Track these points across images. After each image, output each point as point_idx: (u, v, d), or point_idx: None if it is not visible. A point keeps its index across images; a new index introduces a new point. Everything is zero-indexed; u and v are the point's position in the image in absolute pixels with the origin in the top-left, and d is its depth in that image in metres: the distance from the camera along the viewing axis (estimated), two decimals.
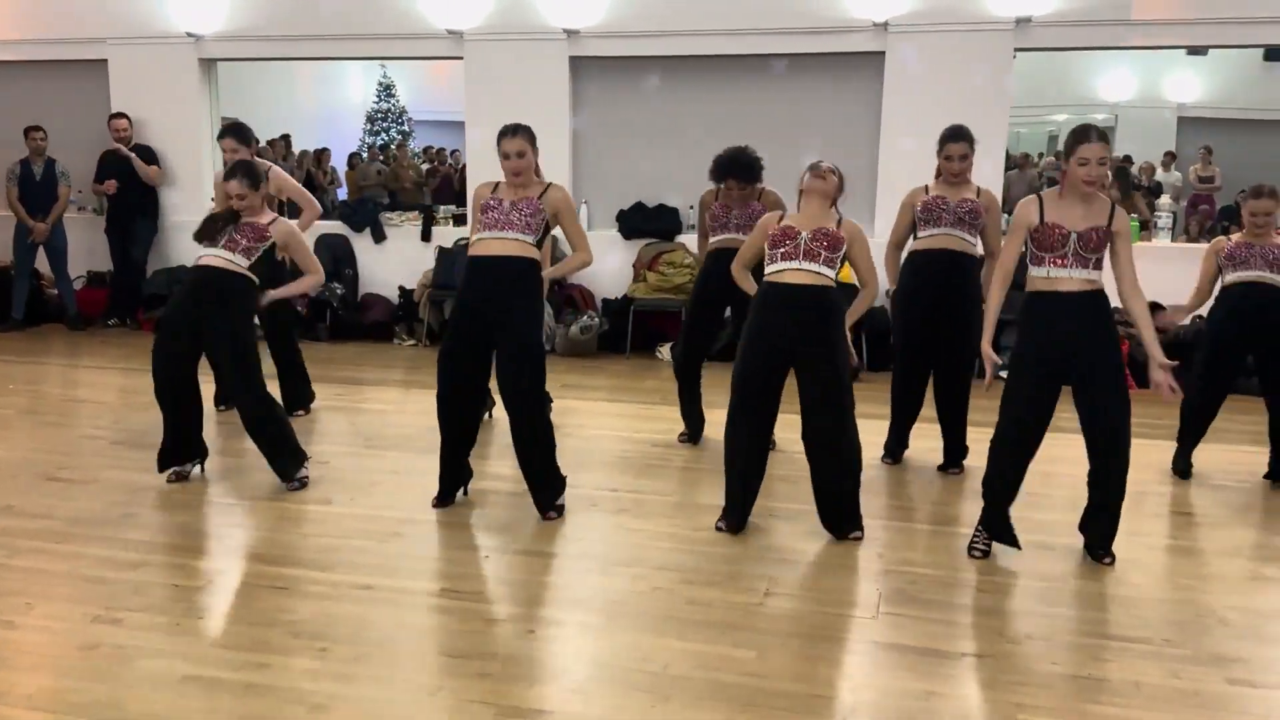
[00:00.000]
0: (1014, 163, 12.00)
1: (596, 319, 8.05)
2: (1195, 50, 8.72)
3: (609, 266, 8.39)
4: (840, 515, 4.09)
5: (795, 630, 3.30)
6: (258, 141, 5.49)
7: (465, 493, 4.52)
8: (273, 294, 4.73)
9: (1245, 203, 4.92)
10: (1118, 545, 3.87)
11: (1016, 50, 7.65)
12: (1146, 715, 2.82)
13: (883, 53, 7.77)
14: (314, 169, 13.00)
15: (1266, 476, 4.98)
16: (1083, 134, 3.64)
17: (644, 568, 3.81)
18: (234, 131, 5.63)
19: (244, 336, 4.55)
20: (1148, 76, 15.30)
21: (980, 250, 4.89)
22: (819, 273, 3.95)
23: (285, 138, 12.98)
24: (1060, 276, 3.68)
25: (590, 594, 3.60)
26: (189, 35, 8.92)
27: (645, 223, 8.40)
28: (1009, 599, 3.60)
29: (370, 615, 3.39)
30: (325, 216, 11.24)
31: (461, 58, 8.51)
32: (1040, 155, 15.01)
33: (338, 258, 8.78)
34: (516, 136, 4.19)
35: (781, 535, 4.11)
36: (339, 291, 8.55)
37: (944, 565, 3.91)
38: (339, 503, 4.54)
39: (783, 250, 4.04)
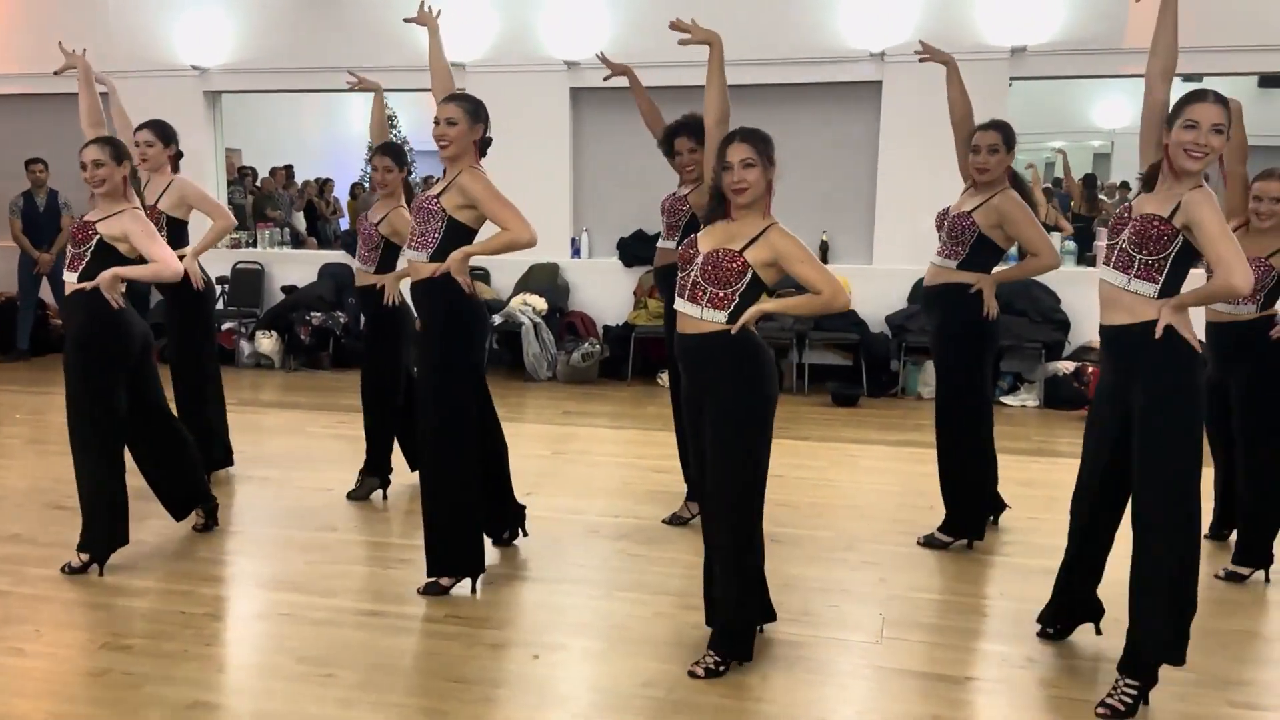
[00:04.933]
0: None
1: (598, 346, 8.10)
2: (1190, 77, 8.80)
3: (610, 294, 8.47)
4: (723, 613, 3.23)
5: (798, 655, 3.32)
6: (176, 145, 5.10)
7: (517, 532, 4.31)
8: (104, 276, 3.80)
9: (1252, 186, 4.06)
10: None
11: (1012, 79, 7.75)
12: None
13: (880, 82, 7.87)
14: (316, 199, 13.10)
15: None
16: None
17: (646, 593, 3.82)
18: (152, 126, 5.02)
19: (87, 378, 3.83)
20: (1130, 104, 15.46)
21: (969, 276, 4.21)
22: (698, 319, 3.08)
23: (288, 168, 13.08)
24: None
25: (593, 619, 3.62)
26: (194, 68, 9.03)
27: (645, 250, 8.45)
28: (1011, 624, 3.61)
29: (375, 641, 3.41)
30: (328, 246, 11.40)
31: (464, 89, 8.60)
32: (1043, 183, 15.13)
33: (341, 286, 8.84)
34: (449, 103, 3.64)
35: (781, 560, 4.13)
36: (342, 320, 8.61)
37: (947, 590, 3.94)
38: (343, 530, 4.56)
39: (679, 279, 3.21)
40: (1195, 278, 2.86)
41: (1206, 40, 7.29)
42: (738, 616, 3.17)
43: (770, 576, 3.96)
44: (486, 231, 3.66)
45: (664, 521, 4.62)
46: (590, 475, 5.47)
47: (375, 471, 5.00)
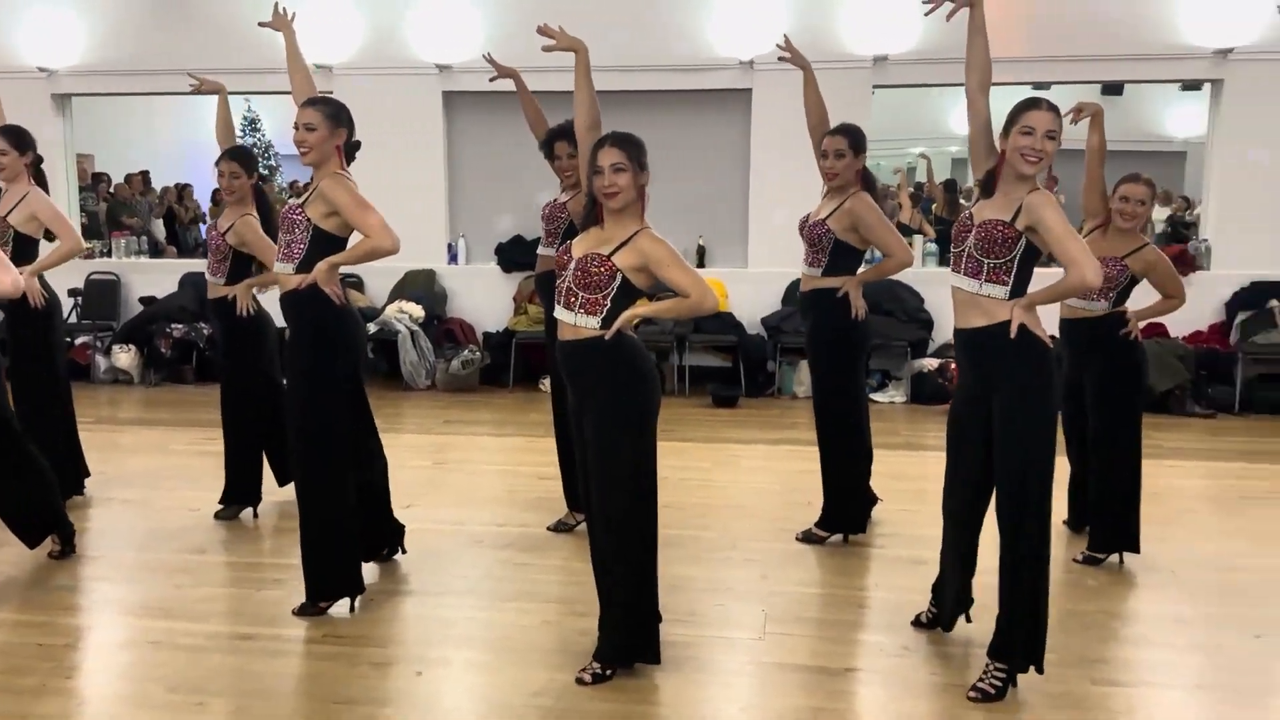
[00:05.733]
0: (883, 194, 12.51)
1: (478, 353, 8.01)
2: (1039, 86, 9.30)
3: (489, 300, 8.39)
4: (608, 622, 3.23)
5: (685, 656, 3.35)
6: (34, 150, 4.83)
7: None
8: None
9: (1116, 188, 4.20)
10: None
11: (875, 86, 8.03)
12: (1023, 717, 2.98)
13: (750, 89, 8.04)
14: (176, 205, 12.54)
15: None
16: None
17: (532, 601, 3.80)
18: (5, 133, 4.75)
19: None
20: (997, 110, 16.18)
21: (835, 281, 4.28)
22: (573, 324, 3.09)
23: (144, 174, 12.48)
24: None
25: (478, 631, 3.57)
26: (40, 70, 8.53)
27: (525, 256, 8.42)
28: (888, 614, 3.73)
29: (250, 666, 3.28)
30: (189, 254, 10.92)
31: (331, 92, 8.37)
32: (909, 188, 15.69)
33: (204, 296, 8.47)
34: (308, 107, 3.54)
35: (668, 561, 4.14)
36: (205, 331, 8.26)
37: (826, 583, 4.04)
38: (212, 551, 4.38)
39: (556, 285, 3.18)
40: (1041, 276, 3.00)
41: (1053, 50, 7.72)
42: (629, 620, 3.17)
43: (658, 579, 4.00)
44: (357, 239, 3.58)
45: (549, 529, 4.60)
46: (473, 484, 5.40)
47: (241, 499, 4.82)
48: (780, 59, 4.65)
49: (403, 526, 4.20)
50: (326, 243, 3.52)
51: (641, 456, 3.08)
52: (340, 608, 3.71)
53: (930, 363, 7.74)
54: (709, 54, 8.03)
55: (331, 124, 3.54)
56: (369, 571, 4.00)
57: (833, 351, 4.40)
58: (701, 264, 8.37)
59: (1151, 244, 4.24)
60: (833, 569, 4.21)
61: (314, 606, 3.67)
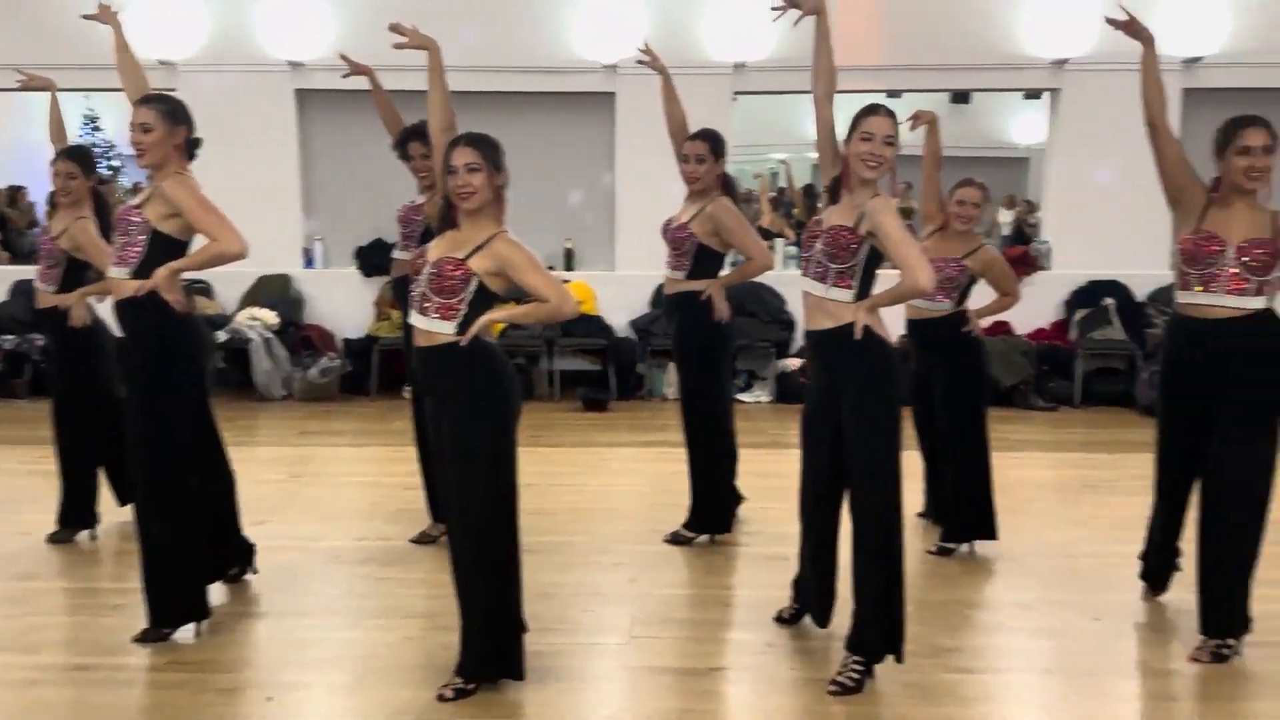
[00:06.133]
0: (744, 198, 12.75)
1: (337, 360, 7.75)
2: (892, 94, 9.65)
3: (349, 305, 8.13)
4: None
5: (551, 665, 3.30)
6: None
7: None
8: None
9: (952, 193, 4.38)
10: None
11: (736, 93, 8.16)
12: (880, 710, 3.05)
13: (614, 93, 8.05)
14: (8, 209, 11.71)
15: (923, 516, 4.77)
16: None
17: (394, 618, 3.68)
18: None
19: None
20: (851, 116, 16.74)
21: (699, 284, 4.33)
22: (428, 330, 2.99)
23: None
24: None
25: (337, 651, 3.44)
26: None
27: (386, 259, 8.11)
28: (753, 611, 3.76)
29: (88, 698, 3.07)
30: (24, 260, 10.21)
31: (174, 90, 7.98)
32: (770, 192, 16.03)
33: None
34: (143, 106, 3.39)
35: (536, 569, 4.09)
36: (39, 343, 7.72)
37: (693, 584, 4.06)
38: (45, 577, 4.09)
39: (411, 290, 3.09)
40: (886, 278, 3.08)
41: (905, 60, 8.00)
42: (491, 631, 3.10)
43: (525, 587, 3.94)
44: (200, 242, 3.40)
45: (411, 541, 4.47)
46: (331, 498, 5.21)
47: (77, 521, 4.51)
48: (640, 63, 4.66)
49: (253, 545, 4.01)
50: (166, 246, 3.34)
51: (501, 463, 3.02)
52: (186, 631, 3.50)
53: (794, 362, 7.91)
54: (572, 57, 8.00)
55: (169, 123, 3.37)
56: (217, 593, 3.79)
57: (698, 353, 4.43)
58: (570, 267, 8.34)
59: (987, 244, 4.44)
60: (700, 569, 4.24)
61: (156, 632, 3.46)
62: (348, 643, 3.50)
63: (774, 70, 8.00)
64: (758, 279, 7.44)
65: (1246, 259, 3.27)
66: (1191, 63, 7.81)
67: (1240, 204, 3.34)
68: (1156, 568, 3.81)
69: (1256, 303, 3.30)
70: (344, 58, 4.55)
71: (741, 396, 7.84)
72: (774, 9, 3.34)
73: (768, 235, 9.23)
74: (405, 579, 4.06)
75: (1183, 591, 3.73)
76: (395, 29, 3.44)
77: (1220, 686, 3.21)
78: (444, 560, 4.18)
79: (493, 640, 3.10)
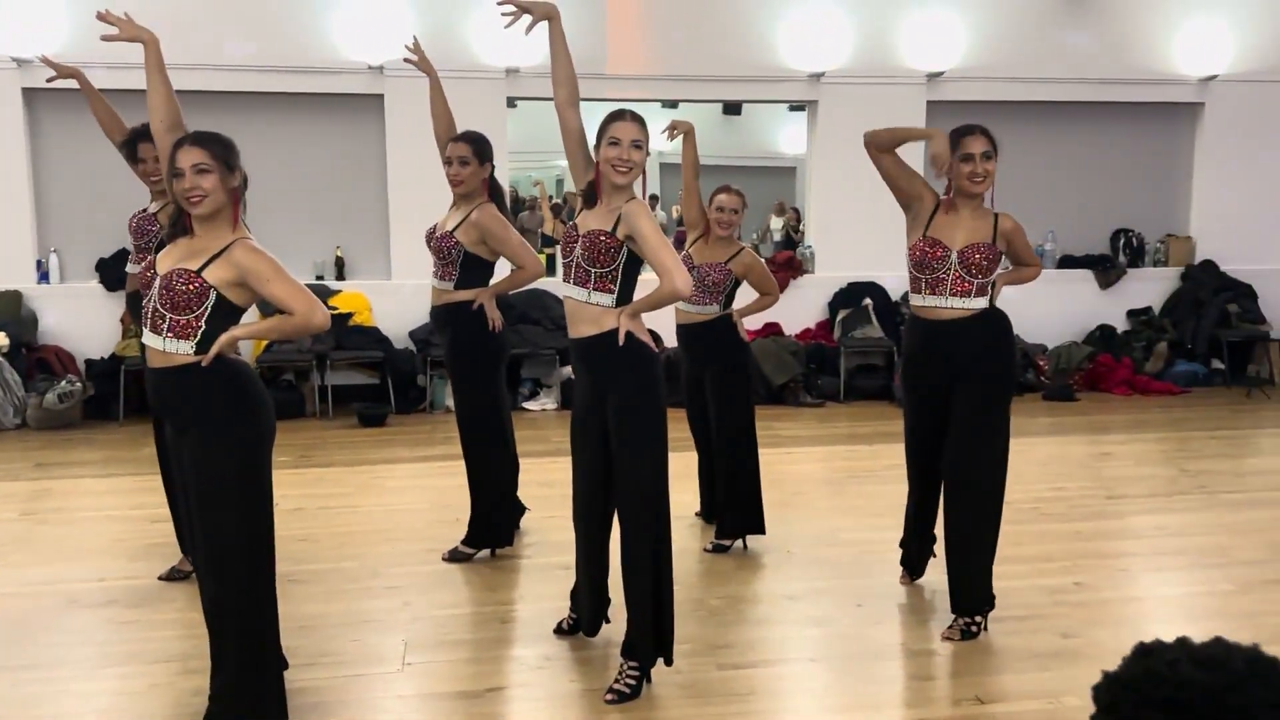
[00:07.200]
0: (525, 205, 12.70)
1: (78, 384, 7.07)
2: (667, 104, 9.87)
3: (90, 323, 7.45)
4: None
5: (315, 701, 3.11)
6: None
7: None
8: None
9: (712, 199, 4.49)
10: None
11: (511, 98, 8.09)
12: (655, 714, 3.05)
13: (382, 95, 7.78)
14: None
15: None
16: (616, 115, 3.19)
17: (138, 664, 3.36)
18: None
19: None
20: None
21: (468, 294, 4.25)
22: (163, 351, 2.76)
23: None
24: None
25: (70, 707, 3.10)
26: None
27: None
28: (532, 626, 3.70)
29: None
30: None
31: None
32: (550, 198, 16.04)
33: None
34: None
35: (299, 601, 3.87)
36: None
37: (471, 602, 3.95)
38: None
39: (143, 306, 2.90)
40: (646, 284, 3.10)
41: (680, 70, 8.18)
42: (246, 672, 2.87)
43: (284, 621, 3.70)
44: None
45: (161, 578, 4.12)
46: (70, 536, 4.73)
47: None
48: (406, 60, 4.51)
49: None
50: None
51: (250, 490, 2.80)
52: None
53: None
54: (336, 57, 7.68)
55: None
56: None
57: (472, 365, 4.33)
58: (342, 276, 7.99)
59: (747, 247, 4.58)
60: (479, 586, 4.13)
61: None
62: (83, 695, 3.16)
63: (549, 76, 7.95)
64: (540, 285, 7.45)
65: (969, 263, 3.51)
66: (934, 77, 8.43)
67: (965, 210, 3.58)
68: (913, 553, 4.04)
69: (979, 303, 3.55)
70: (46, 61, 4.15)
71: (526, 405, 7.77)
72: (505, 14, 3.31)
73: (551, 242, 9.21)
74: (153, 620, 3.73)
75: (938, 573, 3.97)
76: (104, 18, 3.12)
77: (969, 662, 3.43)
78: (197, 596, 3.90)
79: (247, 681, 2.87)
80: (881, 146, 3.56)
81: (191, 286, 2.70)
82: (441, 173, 4.31)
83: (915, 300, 3.64)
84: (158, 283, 2.74)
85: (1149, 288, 9.03)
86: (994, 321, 3.58)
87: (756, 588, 4.17)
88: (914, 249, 3.58)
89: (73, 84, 4.19)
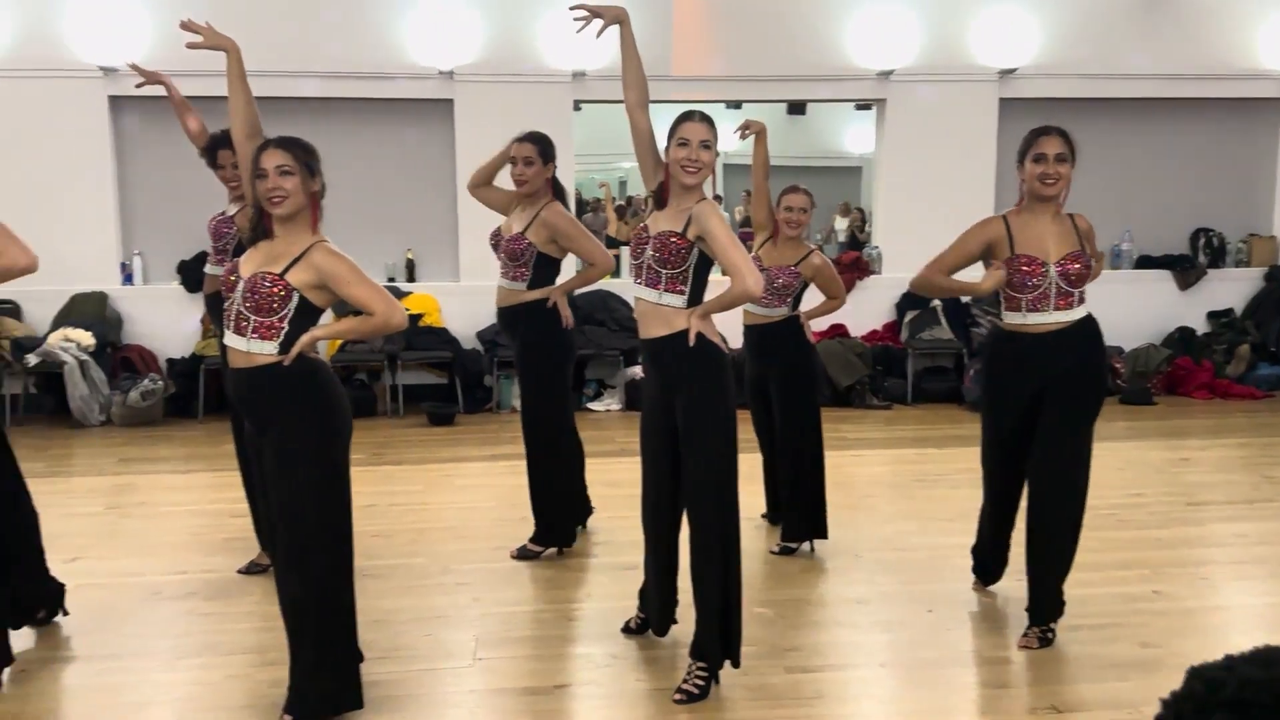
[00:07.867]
0: (589, 207, 12.77)
1: (160, 382, 7.30)
2: (731, 104, 9.85)
3: (172, 323, 7.69)
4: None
5: (388, 695, 3.16)
6: None
7: None
8: None
9: (779, 200, 4.51)
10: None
11: (577, 101, 8.14)
12: (723, 715, 3.05)
13: (452, 100, 7.89)
14: None
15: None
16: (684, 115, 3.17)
17: (217, 655, 3.46)
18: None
19: None
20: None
21: (541, 293, 4.29)
22: (247, 351, 2.83)
23: None
24: None
25: (153, 696, 3.20)
26: None
27: None
28: (598, 624, 3.73)
29: None
30: None
31: None
32: (614, 200, 16.12)
33: None
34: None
35: (373, 596, 3.94)
36: None
37: (538, 600, 3.99)
38: None
39: (225, 309, 2.97)
40: (717, 284, 3.10)
41: (744, 71, 8.16)
42: (323, 664, 2.93)
43: (359, 614, 3.78)
44: None
45: (239, 572, 4.23)
46: (152, 529, 4.88)
47: None
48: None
49: (62, 585, 3.71)
50: None
51: (330, 488, 2.86)
52: None
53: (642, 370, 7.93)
54: (407, 62, 7.80)
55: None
56: (21, 639, 3.48)
57: (541, 362, 4.38)
58: (412, 278, 8.12)
59: (816, 249, 4.54)
60: (546, 584, 4.17)
61: None
62: (165, 686, 3.26)
63: (615, 79, 7.99)
64: (604, 286, 7.49)
65: (1068, 275, 3.40)
66: (1006, 73, 8.27)
67: (1045, 216, 3.46)
68: (986, 561, 3.96)
69: (1079, 312, 3.46)
70: (135, 68, 4.28)
71: (591, 405, 7.81)
72: (576, 19, 3.33)
73: (614, 244, 9.25)
74: (230, 613, 3.83)
75: (1009, 580, 3.90)
76: (187, 27, 3.21)
77: (1045, 670, 3.36)
78: (275, 590, 4.00)
79: (326, 673, 2.94)
80: (931, 291, 3.58)
81: (276, 289, 2.77)
82: (508, 177, 4.35)
83: (1014, 319, 3.48)
84: (241, 286, 2.81)
85: (1230, 289, 8.75)
86: (1090, 331, 3.48)
87: (823, 591, 4.14)
88: (1010, 272, 3.43)
89: (158, 90, 4.32)
